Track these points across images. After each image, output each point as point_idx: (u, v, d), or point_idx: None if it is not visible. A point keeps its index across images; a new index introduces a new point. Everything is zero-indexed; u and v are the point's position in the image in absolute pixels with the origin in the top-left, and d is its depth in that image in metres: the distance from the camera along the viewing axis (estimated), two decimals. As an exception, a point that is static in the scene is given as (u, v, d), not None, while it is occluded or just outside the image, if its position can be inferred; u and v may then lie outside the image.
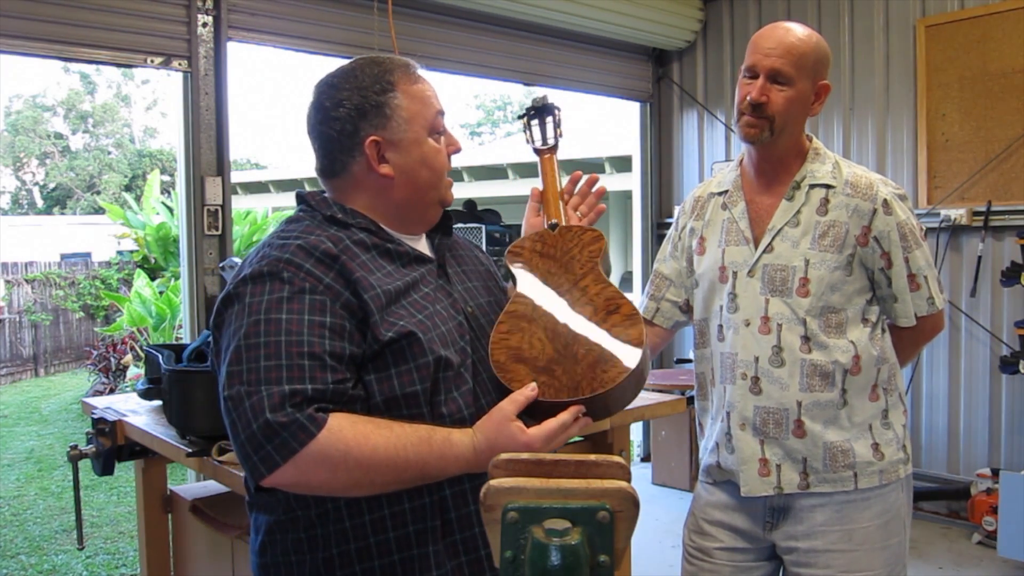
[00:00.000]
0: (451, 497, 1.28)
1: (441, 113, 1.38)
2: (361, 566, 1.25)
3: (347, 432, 1.15)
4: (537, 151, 1.60)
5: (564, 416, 1.23)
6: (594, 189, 1.58)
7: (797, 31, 1.69)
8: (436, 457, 1.19)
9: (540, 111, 1.60)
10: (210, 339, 1.34)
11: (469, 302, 1.39)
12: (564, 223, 1.50)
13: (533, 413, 1.25)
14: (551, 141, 1.59)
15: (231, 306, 1.24)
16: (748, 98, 1.67)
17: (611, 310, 1.35)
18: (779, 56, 1.65)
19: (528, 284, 1.41)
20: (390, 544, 1.25)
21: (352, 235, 1.31)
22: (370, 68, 1.34)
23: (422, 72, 1.38)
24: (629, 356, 1.28)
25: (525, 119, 1.61)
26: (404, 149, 1.33)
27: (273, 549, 1.30)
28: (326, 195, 1.38)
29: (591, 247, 1.44)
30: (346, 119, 1.31)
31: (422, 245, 1.42)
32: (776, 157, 1.75)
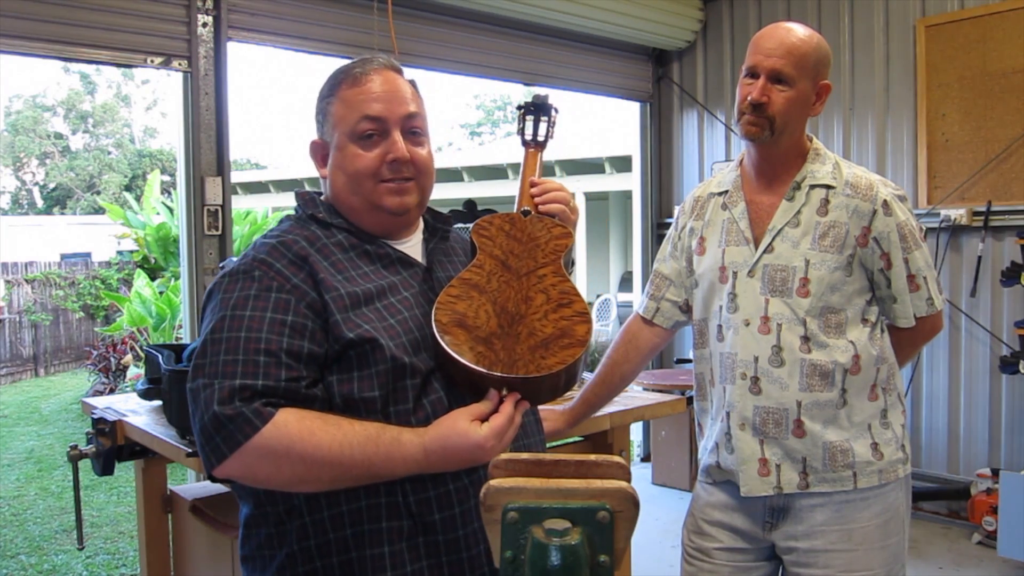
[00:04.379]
0: (416, 503, 1.26)
1: (369, 118, 1.32)
2: (321, 562, 1.25)
3: (292, 427, 1.17)
4: (524, 143, 1.62)
5: (507, 407, 1.23)
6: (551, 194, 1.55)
7: (798, 31, 1.69)
8: (383, 457, 1.19)
9: (538, 108, 1.63)
10: None
11: None
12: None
13: (466, 383, 1.26)
14: (541, 138, 1.62)
15: (209, 302, 1.30)
16: (749, 98, 1.67)
17: (564, 303, 1.35)
18: (780, 57, 1.66)
19: (488, 258, 1.41)
20: (347, 541, 1.24)
21: (332, 235, 1.34)
22: (333, 75, 1.38)
23: (382, 74, 1.35)
24: (571, 350, 1.28)
25: (522, 112, 1.63)
26: (332, 153, 1.37)
27: (250, 543, 1.32)
28: (318, 194, 1.41)
29: (558, 240, 1.45)
30: (315, 121, 1.40)
31: (414, 248, 1.42)
32: (777, 157, 1.75)
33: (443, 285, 1.38)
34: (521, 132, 1.63)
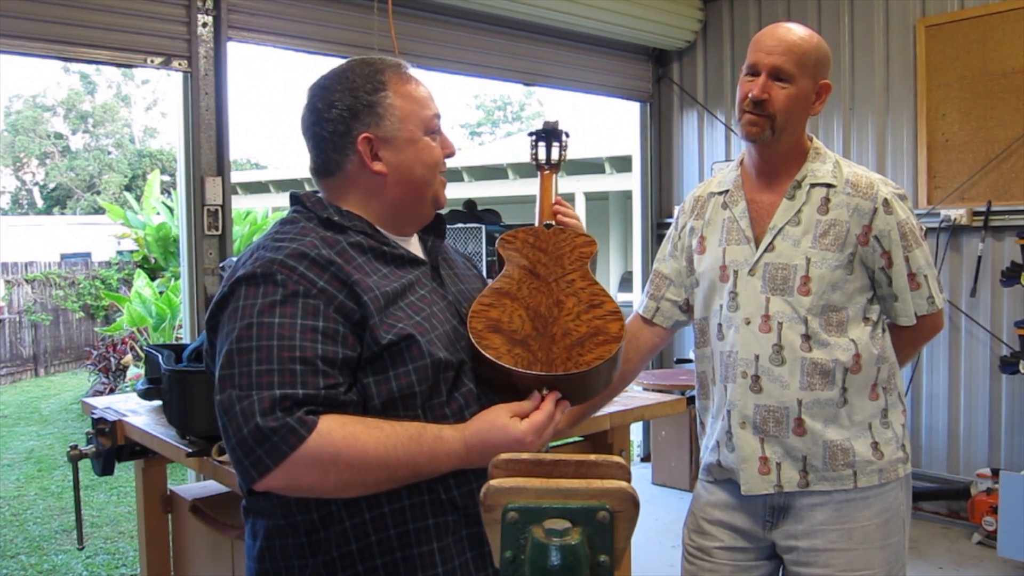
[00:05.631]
0: (461, 496, 1.28)
1: (437, 116, 1.39)
2: (364, 566, 1.24)
3: (336, 434, 1.16)
4: (539, 167, 1.68)
5: (547, 405, 1.25)
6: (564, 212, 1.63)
7: (798, 31, 1.70)
8: (427, 455, 1.20)
9: (549, 134, 1.68)
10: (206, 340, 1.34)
11: (463, 304, 1.39)
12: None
13: (505, 386, 1.28)
14: (554, 160, 1.68)
15: (224, 308, 1.24)
16: (750, 95, 1.67)
17: (595, 304, 1.38)
18: (781, 54, 1.66)
19: (516, 269, 1.45)
20: (392, 542, 1.24)
21: (348, 237, 1.31)
22: (361, 69, 1.35)
23: (414, 72, 1.40)
24: (607, 346, 1.30)
25: (534, 138, 1.69)
26: (398, 146, 1.34)
27: (272, 555, 1.29)
28: (321, 196, 1.38)
29: (582, 248, 1.50)
30: (338, 120, 1.33)
31: (414, 247, 1.42)
32: (777, 156, 1.75)
33: (449, 283, 1.41)
34: (535, 157, 1.69)
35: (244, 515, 1.35)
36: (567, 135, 1.69)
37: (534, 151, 1.68)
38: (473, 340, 1.29)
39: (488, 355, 1.26)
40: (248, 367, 1.17)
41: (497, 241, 1.51)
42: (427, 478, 1.24)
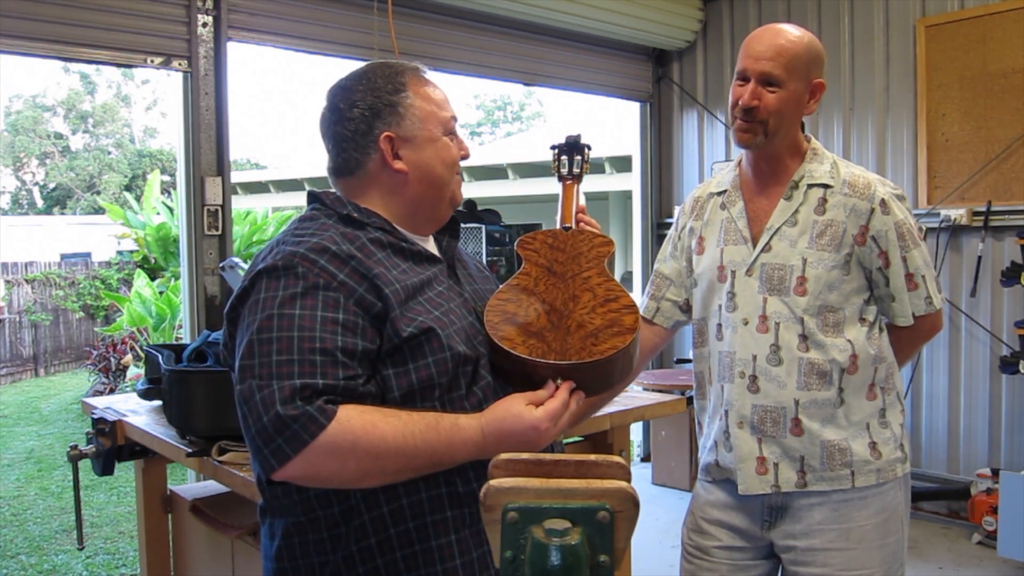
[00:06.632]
0: (479, 489, 1.28)
1: (454, 118, 1.43)
2: (383, 559, 1.25)
3: (355, 422, 1.17)
4: (561, 178, 1.71)
5: (561, 393, 1.26)
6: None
7: (788, 33, 1.69)
8: (444, 443, 1.21)
9: (572, 147, 1.72)
10: (211, 338, 1.35)
11: (479, 303, 1.41)
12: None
13: (521, 377, 1.29)
14: (576, 171, 1.72)
15: (245, 300, 1.26)
16: (740, 102, 1.68)
17: (610, 298, 1.40)
18: (769, 59, 1.66)
19: (533, 267, 1.48)
20: (410, 534, 1.25)
21: (368, 233, 1.33)
22: (382, 70, 1.39)
23: (431, 76, 1.44)
24: (621, 336, 1.32)
25: (556, 151, 1.72)
26: (418, 145, 1.37)
27: (291, 553, 1.29)
28: (339, 194, 1.40)
29: (600, 248, 1.53)
30: (360, 119, 1.35)
31: (431, 247, 1.44)
32: (774, 157, 1.75)
33: (465, 282, 1.43)
34: (557, 170, 1.72)
35: (260, 516, 1.36)
36: (589, 148, 1.73)
37: (556, 163, 1.72)
38: (488, 332, 1.31)
39: (503, 346, 1.29)
40: (268, 357, 1.18)
41: (516, 242, 1.55)
42: (445, 467, 1.24)
